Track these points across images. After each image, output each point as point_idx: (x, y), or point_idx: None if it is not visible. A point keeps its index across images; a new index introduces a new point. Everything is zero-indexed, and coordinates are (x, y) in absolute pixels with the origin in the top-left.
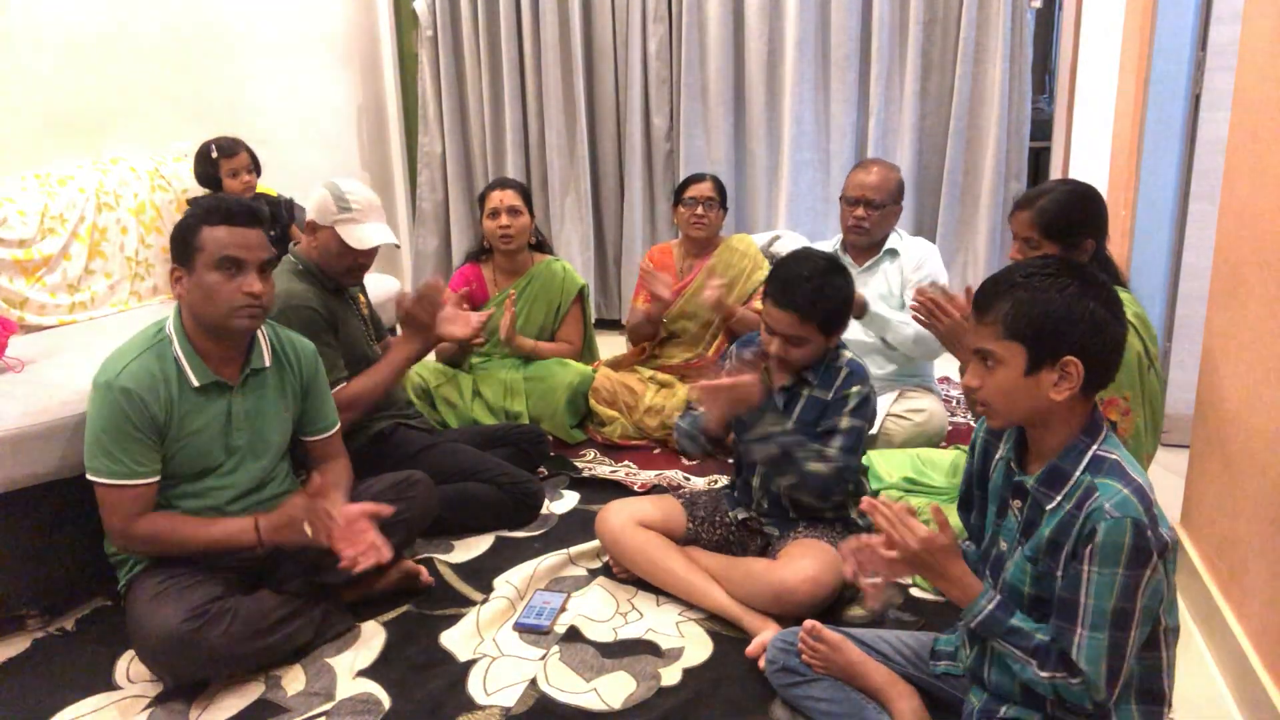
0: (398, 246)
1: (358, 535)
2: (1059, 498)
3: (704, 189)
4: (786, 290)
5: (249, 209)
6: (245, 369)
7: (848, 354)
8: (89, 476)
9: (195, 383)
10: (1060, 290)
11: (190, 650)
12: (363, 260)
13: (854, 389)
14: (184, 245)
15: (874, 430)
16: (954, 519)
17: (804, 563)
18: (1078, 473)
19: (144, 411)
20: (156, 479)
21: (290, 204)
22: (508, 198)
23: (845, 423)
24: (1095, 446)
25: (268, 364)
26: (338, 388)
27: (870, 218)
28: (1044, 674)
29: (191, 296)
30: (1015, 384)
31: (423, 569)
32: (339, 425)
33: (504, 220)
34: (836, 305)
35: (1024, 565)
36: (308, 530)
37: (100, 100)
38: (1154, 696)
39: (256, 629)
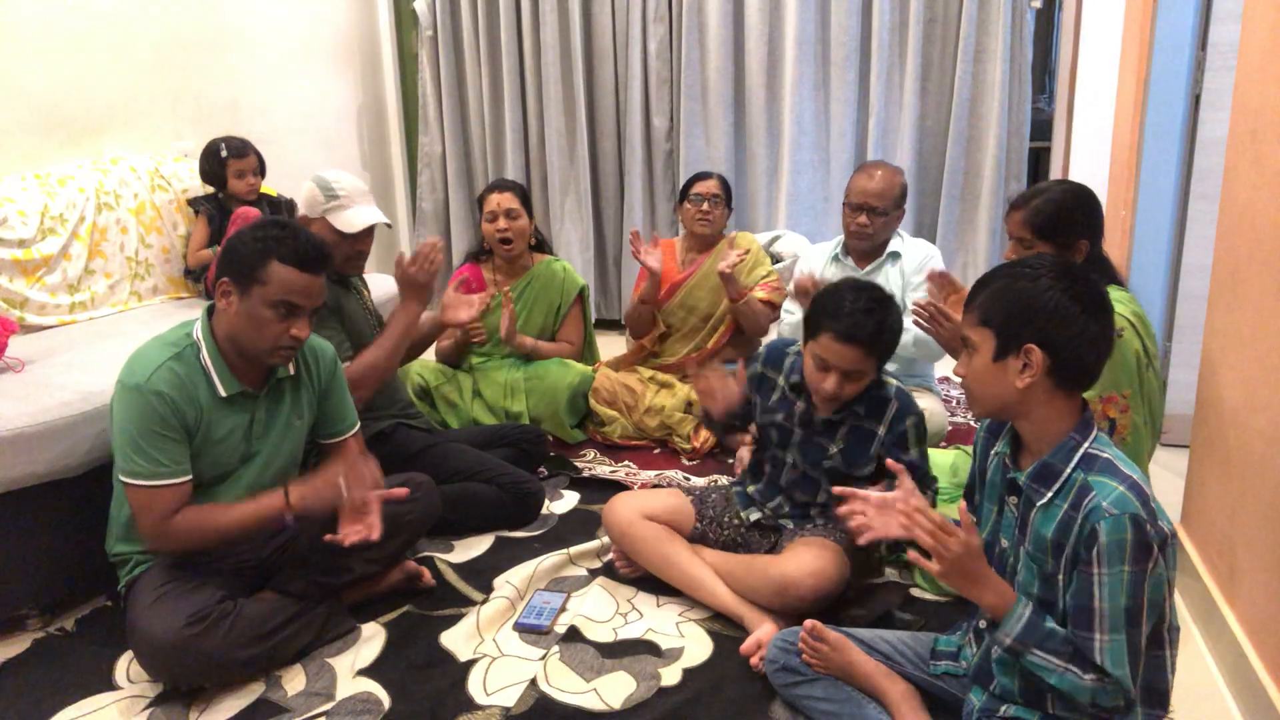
0: (389, 225)
1: (359, 516)
2: (1050, 494)
3: (710, 186)
4: (852, 326)
5: (324, 253)
6: (270, 378)
7: (894, 383)
8: (123, 479)
9: (223, 393)
10: (1031, 281)
11: (190, 656)
12: (360, 246)
13: (909, 421)
14: (246, 268)
15: None
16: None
17: (808, 556)
18: (1068, 470)
19: (177, 414)
20: (190, 477)
21: (291, 204)
22: (505, 201)
23: (915, 453)
24: (1086, 444)
25: (291, 373)
26: (344, 365)
27: (873, 224)
28: (1088, 678)
29: (236, 320)
30: (986, 370)
31: (425, 570)
32: (359, 425)
33: (502, 224)
34: (896, 336)
35: (1031, 568)
36: (343, 487)
37: (100, 100)
38: (1158, 696)
39: (257, 634)
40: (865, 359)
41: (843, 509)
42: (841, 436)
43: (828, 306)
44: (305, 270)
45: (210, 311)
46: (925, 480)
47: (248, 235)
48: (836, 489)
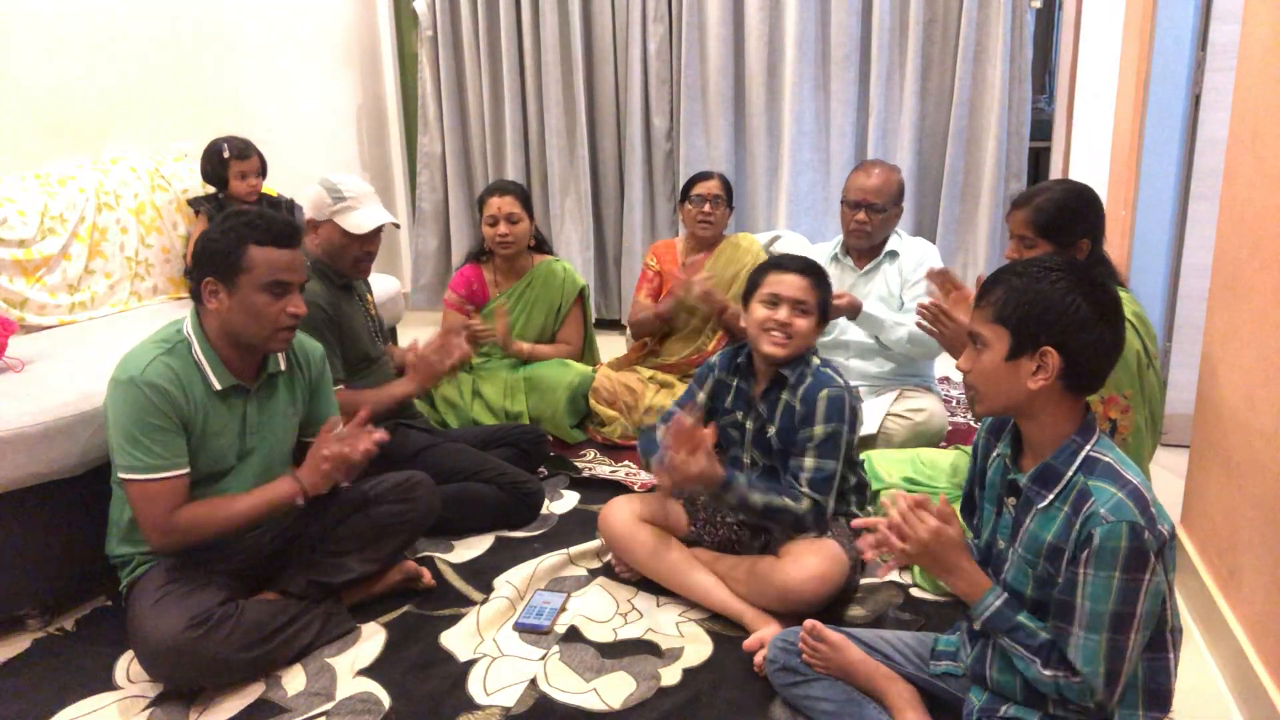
0: (397, 226)
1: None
2: (1051, 496)
3: (711, 186)
4: (795, 259)
5: (294, 228)
6: (262, 373)
7: (817, 360)
8: (122, 476)
9: (217, 386)
10: (1051, 283)
11: (191, 658)
12: (369, 248)
13: (822, 394)
14: (226, 262)
15: (874, 430)
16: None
17: (810, 560)
18: (1070, 472)
19: (171, 405)
20: (188, 469)
21: (291, 204)
22: (506, 204)
23: (818, 430)
24: (1088, 447)
25: (283, 368)
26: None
27: (872, 221)
28: (1047, 672)
29: (231, 315)
30: (997, 368)
31: (425, 571)
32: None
33: (503, 229)
34: (829, 289)
35: (1024, 569)
36: (345, 452)
37: (100, 100)
38: (1159, 699)
39: (257, 635)
40: (812, 290)
41: (863, 540)
42: (778, 417)
43: (768, 262)
44: (283, 246)
45: (198, 308)
46: (829, 455)
47: (215, 232)
48: (855, 523)
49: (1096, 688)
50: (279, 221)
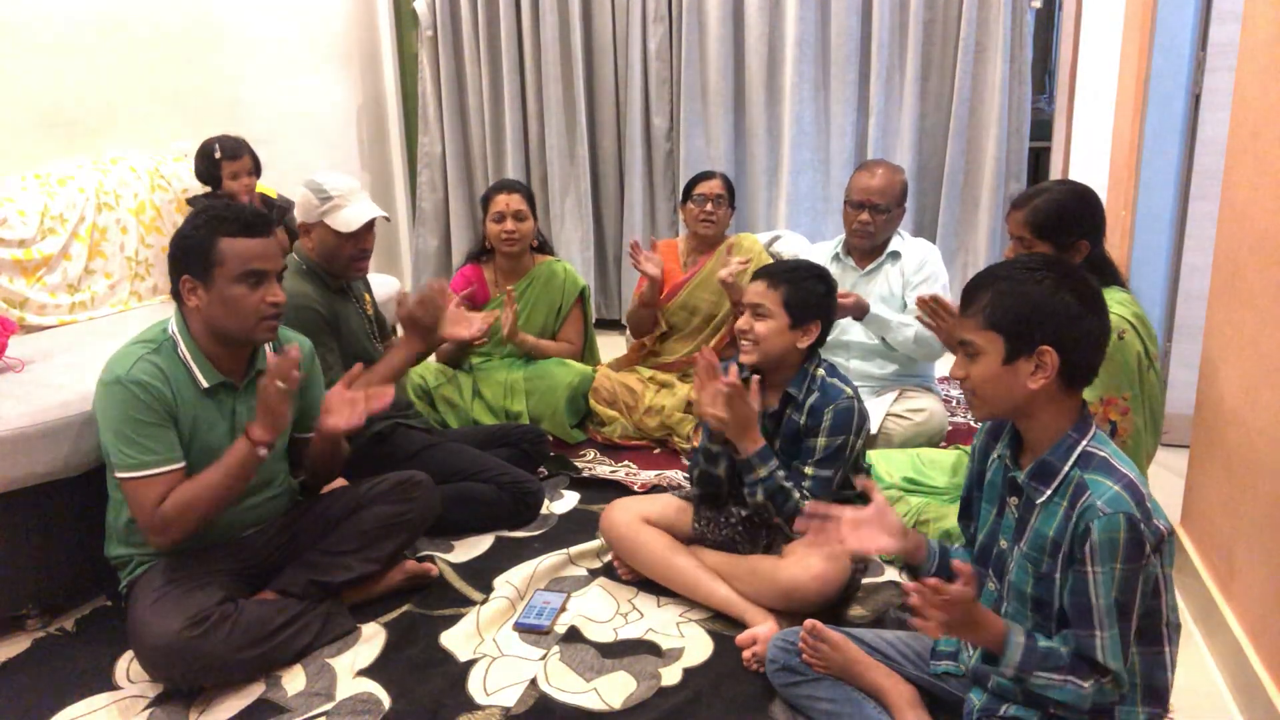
0: (387, 219)
1: (347, 405)
2: (1049, 491)
3: (713, 186)
4: (775, 264)
5: (263, 217)
6: (250, 371)
7: (821, 371)
8: (120, 475)
9: (204, 384)
10: (1037, 282)
11: (189, 658)
12: (363, 245)
13: (829, 408)
14: (198, 258)
15: (874, 430)
16: (953, 522)
17: (813, 560)
18: (1066, 467)
19: (160, 400)
20: (183, 464)
21: (290, 204)
22: (514, 202)
23: (822, 441)
24: (1084, 442)
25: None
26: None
27: (875, 222)
28: (1087, 684)
29: (211, 310)
30: (995, 373)
31: (429, 565)
32: None
33: (509, 225)
34: (806, 290)
35: (1025, 567)
36: (280, 384)
37: (100, 100)
38: (1157, 694)
39: (257, 635)
40: (767, 291)
41: (803, 523)
42: (781, 428)
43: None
44: (253, 235)
45: (180, 307)
46: (830, 465)
47: (186, 229)
48: (808, 505)
49: (1123, 679)
50: (248, 211)
